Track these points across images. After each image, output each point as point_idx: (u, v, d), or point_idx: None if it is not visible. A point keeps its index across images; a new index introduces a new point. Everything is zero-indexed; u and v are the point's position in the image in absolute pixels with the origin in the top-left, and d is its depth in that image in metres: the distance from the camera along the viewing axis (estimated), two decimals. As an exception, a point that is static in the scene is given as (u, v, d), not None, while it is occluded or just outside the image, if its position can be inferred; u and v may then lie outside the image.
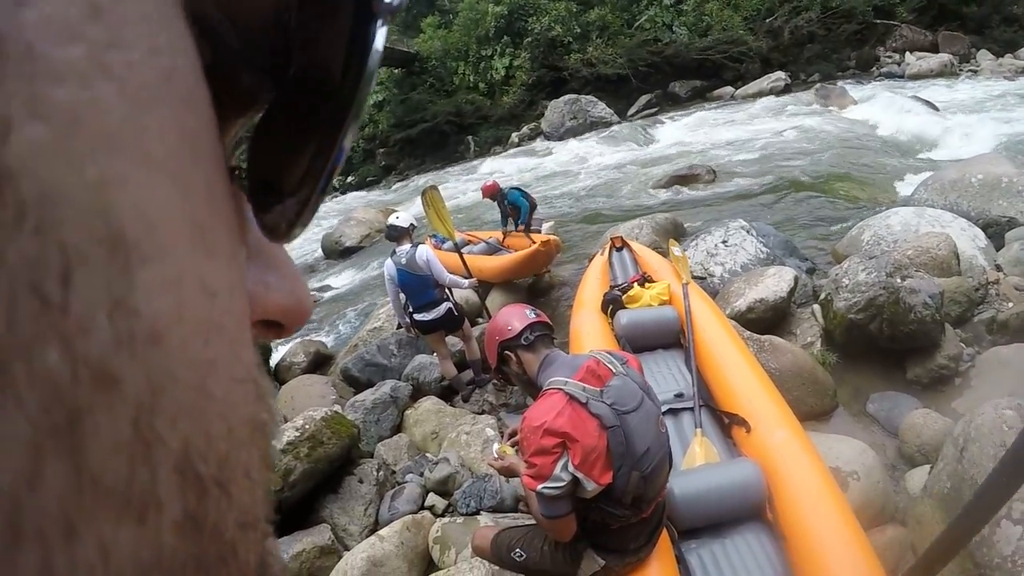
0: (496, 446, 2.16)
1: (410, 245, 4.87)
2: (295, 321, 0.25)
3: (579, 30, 26.12)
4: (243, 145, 0.25)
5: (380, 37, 0.21)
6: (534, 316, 2.09)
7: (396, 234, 4.91)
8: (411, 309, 4.97)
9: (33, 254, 0.10)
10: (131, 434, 0.12)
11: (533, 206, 7.64)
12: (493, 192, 7.62)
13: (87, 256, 0.11)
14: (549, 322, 2.13)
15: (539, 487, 1.72)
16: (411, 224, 5.00)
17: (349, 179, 28.19)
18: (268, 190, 0.23)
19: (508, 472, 2.05)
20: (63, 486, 0.11)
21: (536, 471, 1.72)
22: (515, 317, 2.08)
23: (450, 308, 4.94)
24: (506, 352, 2.06)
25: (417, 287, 4.85)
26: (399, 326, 5.64)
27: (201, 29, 0.16)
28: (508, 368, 2.09)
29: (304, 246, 16.03)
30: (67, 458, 0.11)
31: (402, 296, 5.06)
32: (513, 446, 2.14)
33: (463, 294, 5.71)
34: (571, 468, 1.70)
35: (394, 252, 4.89)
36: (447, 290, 5.02)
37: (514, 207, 7.57)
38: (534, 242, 6.43)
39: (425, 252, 4.78)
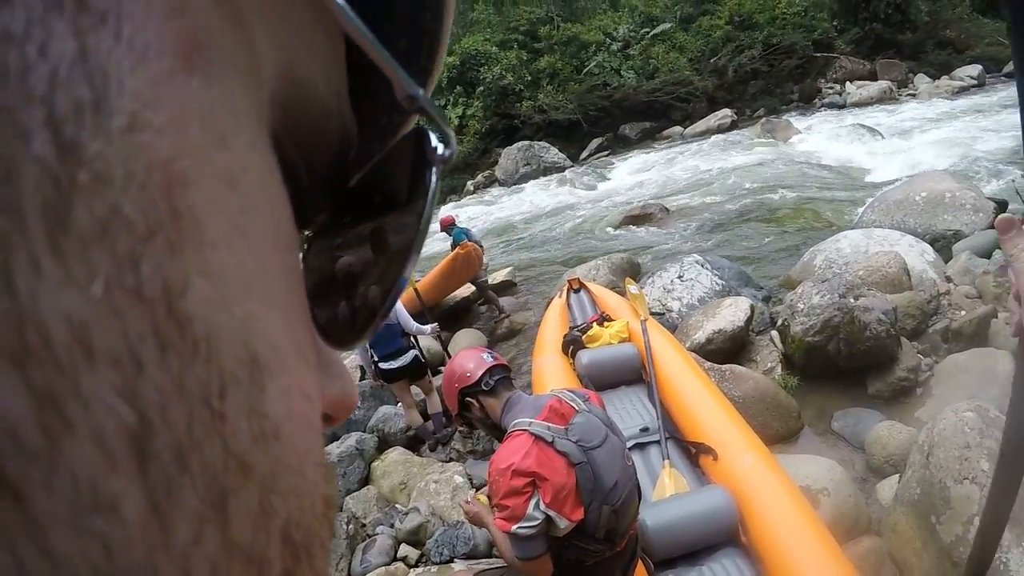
0: (473, 492, 2.14)
1: None
2: (343, 414, 0.27)
3: (530, 78, 26.71)
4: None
5: (435, 179, 0.25)
6: (491, 360, 2.08)
7: None
8: (376, 358, 4.94)
9: (204, 377, 0.13)
10: (258, 508, 0.15)
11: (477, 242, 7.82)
12: (448, 224, 7.85)
13: (236, 375, 0.14)
14: (507, 364, 2.13)
15: (513, 528, 1.70)
16: None
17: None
18: (324, 295, 0.27)
19: (476, 520, 2.03)
20: (215, 550, 0.13)
21: (509, 512, 1.71)
22: (472, 362, 2.06)
23: (416, 356, 4.96)
24: (467, 399, 2.04)
25: (385, 335, 4.81)
26: (363, 376, 5.60)
27: (284, 170, 0.19)
28: (471, 414, 2.07)
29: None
30: (219, 527, 0.13)
31: (366, 345, 5.02)
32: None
33: (425, 342, 5.72)
34: (543, 507, 1.70)
35: None
36: (413, 338, 5.03)
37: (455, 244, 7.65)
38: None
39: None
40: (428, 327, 5.10)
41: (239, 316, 0.14)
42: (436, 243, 10.37)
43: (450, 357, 5.68)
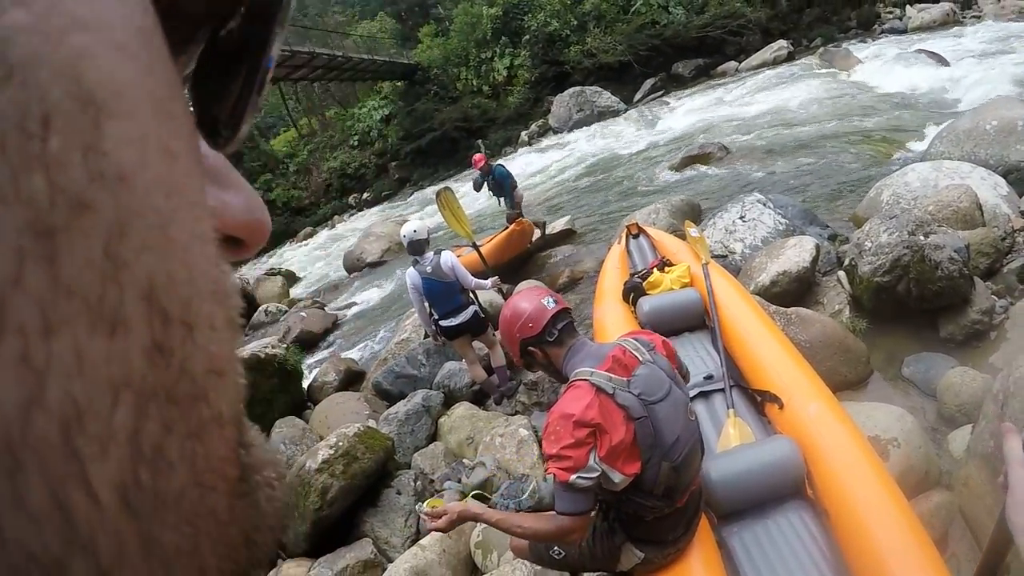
0: (422, 505, 2.01)
1: (432, 253, 4.92)
2: (256, 237, 0.27)
3: (576, 22, 26.08)
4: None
5: None
6: (554, 305, 1.99)
7: (419, 247, 4.95)
8: (437, 316, 5.00)
9: (19, 100, 0.13)
10: (101, 255, 0.14)
11: (514, 185, 8.60)
12: (482, 165, 8.44)
13: (63, 106, 0.14)
14: (568, 307, 2.05)
15: (572, 477, 1.67)
16: (429, 232, 5.10)
17: (365, 195, 28.43)
18: (213, 122, 0.27)
19: (458, 520, 1.92)
20: (41, 288, 0.13)
21: (570, 463, 1.67)
22: (533, 307, 1.97)
23: (476, 311, 5.00)
24: (530, 348, 1.99)
25: (444, 293, 4.89)
26: (426, 335, 5.67)
27: None
28: (533, 361, 2.03)
29: (327, 265, 16.20)
30: (45, 265, 0.13)
31: (426, 304, 5.10)
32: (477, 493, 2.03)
33: (486, 296, 5.75)
34: (597, 460, 1.68)
35: (416, 261, 4.92)
36: (472, 294, 5.06)
37: (498, 183, 8.45)
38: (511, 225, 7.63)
39: (450, 258, 4.86)
40: (488, 280, 5.15)
41: (68, 50, 0.14)
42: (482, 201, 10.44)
43: None
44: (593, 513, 1.79)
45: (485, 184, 8.61)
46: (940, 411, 3.34)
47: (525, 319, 1.97)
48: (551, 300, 2.01)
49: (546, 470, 1.80)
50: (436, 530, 1.96)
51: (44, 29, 0.13)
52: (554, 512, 1.76)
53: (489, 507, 3.64)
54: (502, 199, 8.75)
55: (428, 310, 5.07)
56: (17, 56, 0.13)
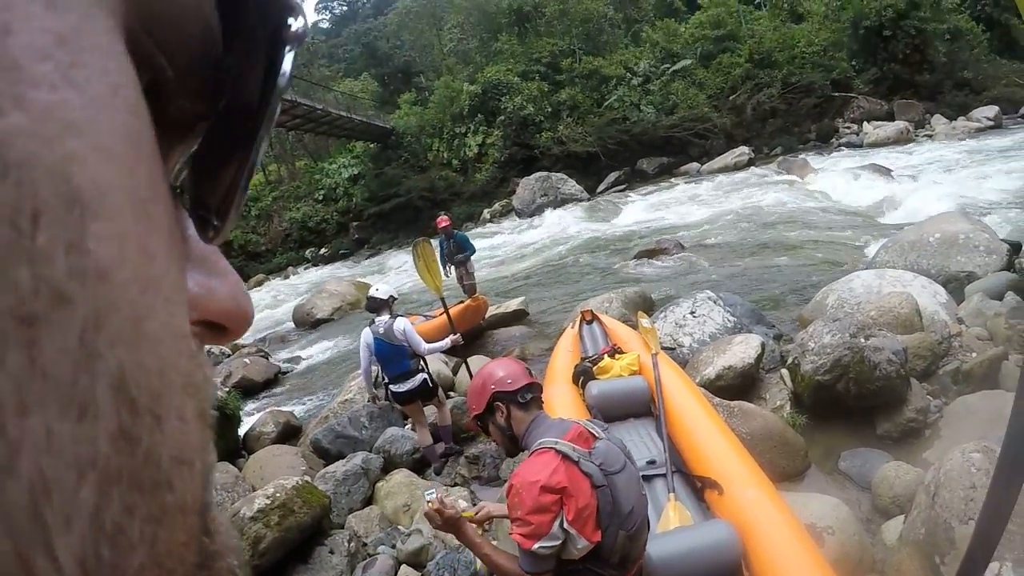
0: (432, 493, 2.03)
1: (388, 316, 4.99)
2: (237, 325, 0.28)
3: (550, 109, 27.06)
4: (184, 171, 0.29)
5: (288, 60, 0.26)
6: (531, 377, 2.08)
7: (375, 305, 5.09)
8: (387, 380, 5.05)
9: (12, 198, 0.14)
10: (76, 344, 0.15)
11: (472, 251, 9.12)
12: (446, 227, 8.97)
13: (52, 205, 0.15)
14: (540, 385, 2.13)
15: (535, 546, 1.71)
16: (391, 296, 5.21)
17: (322, 251, 28.31)
18: (206, 211, 0.28)
19: (451, 525, 1.96)
20: (20, 370, 0.14)
21: (533, 529, 1.71)
22: (514, 371, 2.06)
23: (425, 379, 5.05)
24: (497, 402, 2.04)
25: (393, 357, 4.97)
26: (372, 399, 5.64)
27: (141, 59, 0.21)
28: (492, 419, 2.06)
29: (276, 317, 15.95)
30: (25, 349, 0.14)
31: (375, 368, 5.16)
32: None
33: (435, 367, 5.80)
34: (566, 524, 1.72)
35: (372, 322, 5.01)
36: (422, 361, 5.10)
37: (459, 245, 8.94)
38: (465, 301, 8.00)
39: (403, 324, 4.92)
40: (447, 339, 5.20)
41: (59, 153, 0.16)
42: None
43: (469, 368, 5.83)
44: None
45: (442, 247, 8.87)
46: (874, 503, 3.46)
47: (505, 375, 2.05)
48: (528, 371, 2.11)
49: (510, 532, 1.82)
50: (432, 519, 1.96)
51: (40, 132, 0.15)
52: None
53: (423, 575, 3.61)
54: (451, 269, 9.02)
55: (377, 372, 5.12)
56: (13, 156, 0.14)
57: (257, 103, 0.26)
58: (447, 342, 5.20)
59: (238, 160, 0.27)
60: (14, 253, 0.14)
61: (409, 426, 5.70)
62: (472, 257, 9.21)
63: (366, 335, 5.02)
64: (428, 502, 1.98)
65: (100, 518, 0.15)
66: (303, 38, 0.26)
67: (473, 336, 8.06)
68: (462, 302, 7.99)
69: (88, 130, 0.17)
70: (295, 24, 0.26)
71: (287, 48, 0.26)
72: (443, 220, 9.19)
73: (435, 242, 8.75)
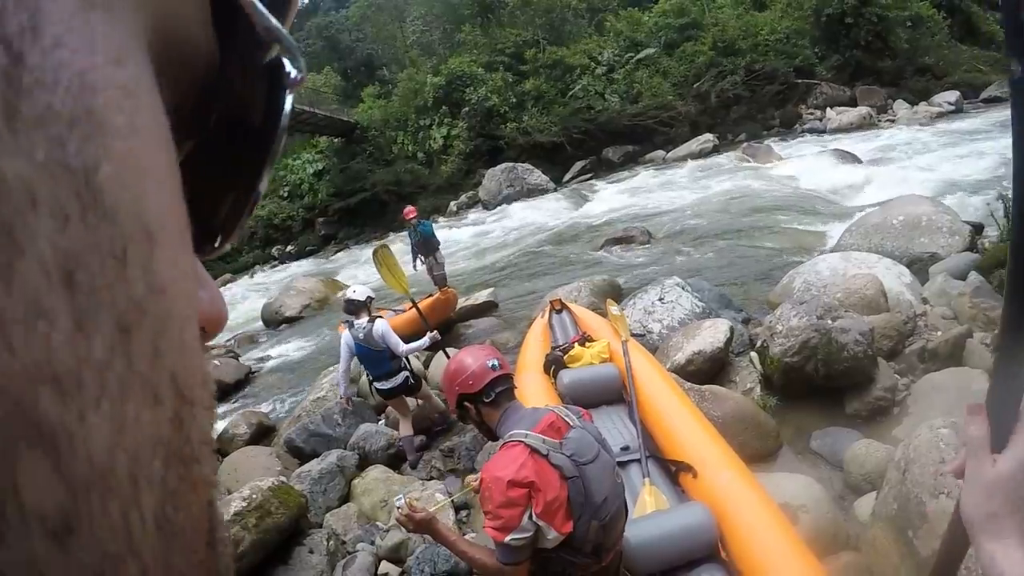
0: (401, 500, 2.03)
1: (367, 319, 5.03)
2: (215, 327, 0.30)
3: (515, 100, 26.98)
4: None
5: (289, 102, 0.29)
6: (497, 369, 2.06)
7: (353, 308, 5.13)
8: (371, 378, 5.24)
9: (111, 235, 0.17)
10: (151, 348, 0.19)
11: (437, 246, 9.11)
12: (413, 218, 9.01)
13: (135, 238, 0.18)
14: (510, 372, 2.13)
15: (506, 539, 1.74)
16: (368, 297, 5.22)
17: (288, 248, 27.98)
18: (209, 228, 0.31)
19: (424, 526, 1.97)
20: (122, 369, 0.18)
21: (503, 523, 1.74)
22: (478, 367, 2.05)
23: (407, 377, 5.14)
24: (466, 403, 2.07)
25: (375, 360, 5.08)
26: (346, 400, 5.61)
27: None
28: (467, 415, 2.12)
29: (243, 317, 15.74)
30: (123, 353, 0.18)
31: (357, 366, 5.31)
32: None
33: (415, 363, 5.85)
34: (534, 518, 1.74)
35: (352, 325, 5.05)
36: (404, 360, 5.13)
37: (425, 240, 8.93)
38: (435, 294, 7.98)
39: (381, 327, 4.96)
40: (425, 339, 5.25)
41: (134, 193, 0.19)
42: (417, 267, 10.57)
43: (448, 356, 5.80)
44: (528, 561, 1.84)
45: (410, 237, 9.09)
46: (846, 480, 3.54)
47: (467, 376, 2.04)
48: (495, 362, 2.08)
49: (484, 526, 1.85)
50: (405, 524, 1.99)
51: (122, 178, 0.18)
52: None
53: (402, 571, 3.62)
54: (419, 260, 9.13)
55: (359, 372, 5.25)
56: (109, 202, 0.17)
57: (261, 136, 0.30)
58: (426, 340, 5.26)
59: (244, 186, 0.31)
60: (116, 277, 0.17)
61: (383, 421, 5.70)
62: (440, 248, 9.23)
63: (347, 338, 5.07)
64: (398, 508, 2.00)
65: (165, 483, 0.19)
66: (298, 84, 0.29)
67: (444, 329, 8.05)
68: (432, 295, 7.96)
69: (151, 170, 0.20)
70: (294, 72, 0.29)
71: (287, 92, 0.29)
72: (410, 211, 9.21)
73: (404, 234, 8.91)
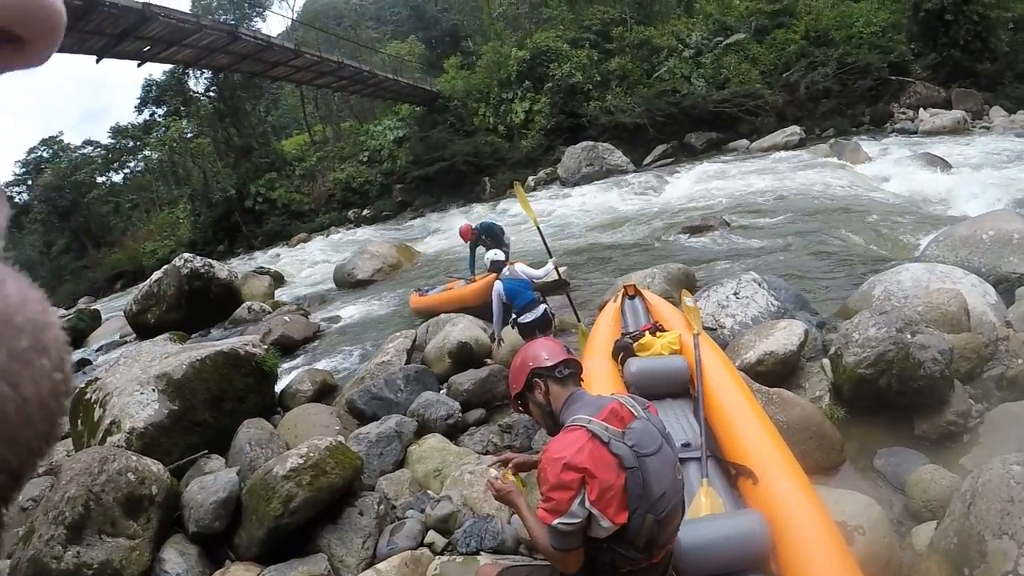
0: (498, 470, 2.19)
1: (507, 268, 6.26)
2: (35, 26, 0.22)
3: (599, 78, 26.58)
4: None
5: None
6: (569, 353, 2.13)
7: (499, 265, 6.44)
8: (515, 314, 5.95)
9: None
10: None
11: (502, 230, 9.21)
12: (468, 234, 9.03)
13: None
14: (580, 362, 2.17)
15: (554, 522, 1.74)
16: (501, 259, 6.64)
17: (365, 212, 28.53)
18: None
19: (504, 498, 2.08)
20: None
21: (553, 505, 1.74)
22: (551, 349, 2.13)
23: (546, 309, 5.94)
24: (536, 379, 2.09)
25: (520, 290, 5.97)
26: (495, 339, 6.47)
27: None
28: (531, 396, 2.11)
29: (316, 276, 16.17)
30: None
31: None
32: (515, 473, 2.17)
33: (475, 333, 6.45)
34: (587, 504, 1.73)
35: (500, 274, 6.24)
36: (543, 297, 6.08)
37: (491, 235, 8.93)
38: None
39: (519, 266, 6.25)
40: (549, 263, 6.23)
41: None
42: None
43: (575, 309, 6.71)
44: (582, 549, 1.83)
45: (473, 253, 9.18)
46: (907, 505, 3.37)
47: (542, 352, 2.12)
48: (566, 348, 2.17)
49: (536, 507, 1.86)
50: (494, 491, 2.12)
51: None
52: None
53: (448, 542, 3.65)
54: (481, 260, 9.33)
55: (507, 313, 6.10)
56: None
57: None
58: (550, 265, 6.20)
59: None
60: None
61: (444, 391, 5.74)
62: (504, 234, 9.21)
63: (497, 287, 6.08)
64: (495, 477, 2.17)
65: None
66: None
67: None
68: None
69: None
70: None
71: None
72: (465, 228, 9.16)
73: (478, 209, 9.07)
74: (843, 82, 23.69)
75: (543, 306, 5.89)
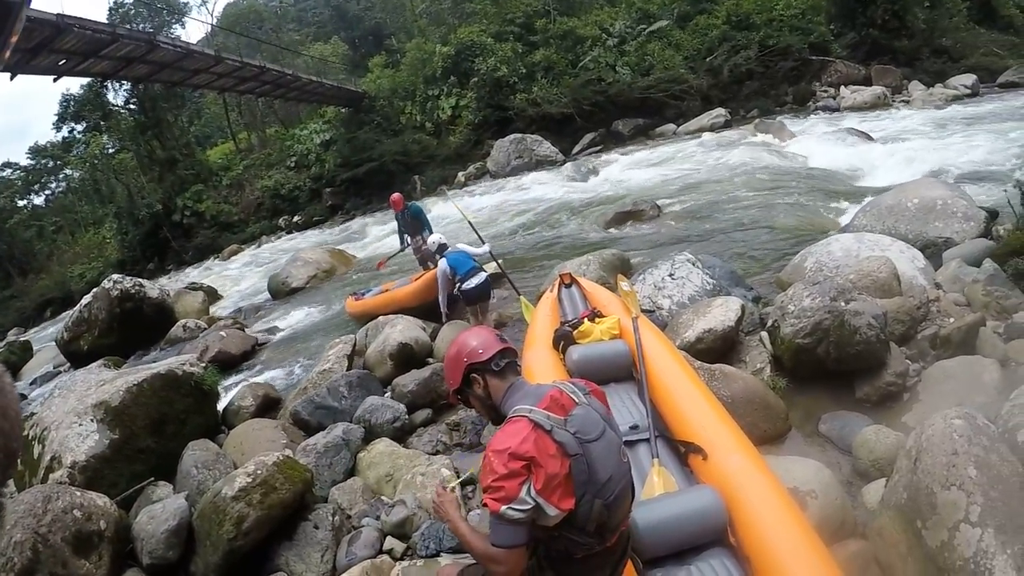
0: (450, 482, 2.15)
1: (450, 248, 6.89)
2: None
3: (524, 70, 26.63)
4: None
5: None
6: (504, 342, 2.10)
7: (444, 248, 6.88)
8: (459, 283, 6.49)
9: None
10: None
11: (426, 222, 9.51)
12: (400, 204, 9.44)
13: None
14: (515, 349, 2.14)
15: (503, 508, 1.72)
16: (444, 241, 7.06)
17: (296, 219, 27.96)
18: None
19: (442, 511, 2.06)
20: None
21: (502, 494, 1.73)
22: (485, 340, 2.08)
23: (487, 277, 6.56)
24: (473, 375, 2.06)
25: (463, 259, 6.59)
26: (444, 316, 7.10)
27: None
28: (471, 391, 2.09)
29: (251, 288, 15.76)
30: None
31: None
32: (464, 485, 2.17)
33: (415, 334, 6.51)
34: (533, 493, 1.72)
35: (443, 254, 6.75)
36: (481, 268, 6.67)
37: (416, 219, 9.38)
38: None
39: (461, 245, 6.92)
40: (486, 246, 7.10)
41: None
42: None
43: (515, 286, 7.42)
44: (524, 551, 1.81)
45: (398, 220, 9.65)
46: (855, 466, 3.48)
47: (475, 346, 2.07)
48: (501, 338, 2.12)
49: (482, 502, 1.84)
50: (438, 504, 2.11)
51: None
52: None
53: (407, 547, 3.61)
54: (406, 239, 9.54)
55: (453, 280, 6.58)
56: None
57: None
58: (486, 247, 7.05)
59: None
60: None
61: (389, 394, 5.67)
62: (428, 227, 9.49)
63: (441, 264, 6.66)
64: (440, 489, 2.16)
65: None
66: None
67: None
68: (420, 275, 8.55)
69: None
70: None
71: None
72: (398, 202, 9.51)
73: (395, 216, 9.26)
74: (765, 64, 24.39)
75: (483, 273, 6.52)
